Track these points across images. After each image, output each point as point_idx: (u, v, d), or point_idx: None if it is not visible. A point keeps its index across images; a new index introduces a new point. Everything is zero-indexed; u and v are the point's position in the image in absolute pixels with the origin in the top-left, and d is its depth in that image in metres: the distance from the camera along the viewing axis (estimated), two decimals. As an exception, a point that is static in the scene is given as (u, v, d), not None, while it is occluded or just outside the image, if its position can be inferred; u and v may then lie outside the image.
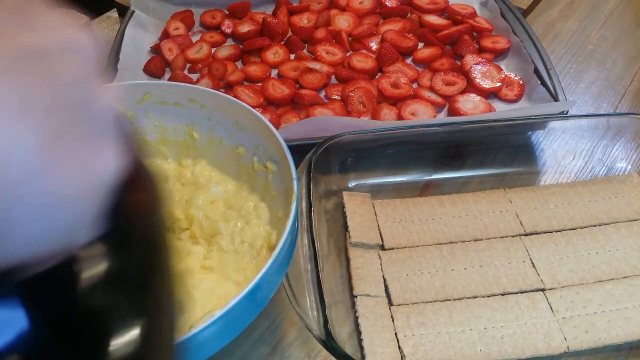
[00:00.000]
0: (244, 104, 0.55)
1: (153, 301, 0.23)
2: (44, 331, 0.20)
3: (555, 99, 0.71)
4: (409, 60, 0.82)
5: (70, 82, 0.19)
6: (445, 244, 0.59)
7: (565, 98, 0.71)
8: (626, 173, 0.66)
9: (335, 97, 0.75)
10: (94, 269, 0.21)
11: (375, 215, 0.61)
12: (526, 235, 0.60)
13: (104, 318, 0.21)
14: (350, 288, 0.55)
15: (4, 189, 0.16)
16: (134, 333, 0.22)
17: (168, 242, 0.25)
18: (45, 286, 0.20)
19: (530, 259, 0.57)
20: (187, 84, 0.58)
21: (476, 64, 0.77)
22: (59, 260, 0.19)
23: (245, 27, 0.85)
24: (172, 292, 0.25)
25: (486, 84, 0.75)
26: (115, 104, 0.21)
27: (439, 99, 0.74)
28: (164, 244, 0.25)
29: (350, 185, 0.65)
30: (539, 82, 0.73)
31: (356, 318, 0.53)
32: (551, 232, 0.60)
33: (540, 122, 0.68)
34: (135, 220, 0.23)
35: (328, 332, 0.46)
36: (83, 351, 0.21)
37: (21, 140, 0.17)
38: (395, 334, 0.51)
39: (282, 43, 0.84)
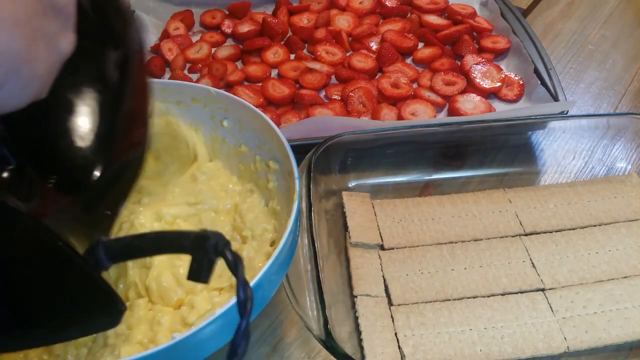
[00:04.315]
0: (247, 103, 0.55)
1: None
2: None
3: (555, 99, 0.71)
4: (409, 60, 0.82)
5: None
6: (445, 244, 0.59)
7: (565, 98, 0.71)
8: (626, 173, 0.66)
9: (335, 97, 0.75)
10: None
11: (375, 215, 0.61)
12: (526, 235, 0.60)
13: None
14: (350, 288, 0.55)
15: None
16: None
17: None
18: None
19: (530, 259, 0.57)
20: (191, 83, 0.59)
21: (476, 64, 0.77)
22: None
23: (245, 27, 0.85)
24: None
25: (486, 84, 0.75)
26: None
27: (439, 99, 0.74)
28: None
29: (350, 185, 0.65)
30: (539, 82, 0.73)
31: (356, 318, 0.53)
32: (551, 232, 0.60)
33: (540, 122, 0.68)
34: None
35: (328, 332, 0.46)
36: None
37: (10, 45, 0.28)
38: (395, 334, 0.51)
39: (282, 43, 0.84)
